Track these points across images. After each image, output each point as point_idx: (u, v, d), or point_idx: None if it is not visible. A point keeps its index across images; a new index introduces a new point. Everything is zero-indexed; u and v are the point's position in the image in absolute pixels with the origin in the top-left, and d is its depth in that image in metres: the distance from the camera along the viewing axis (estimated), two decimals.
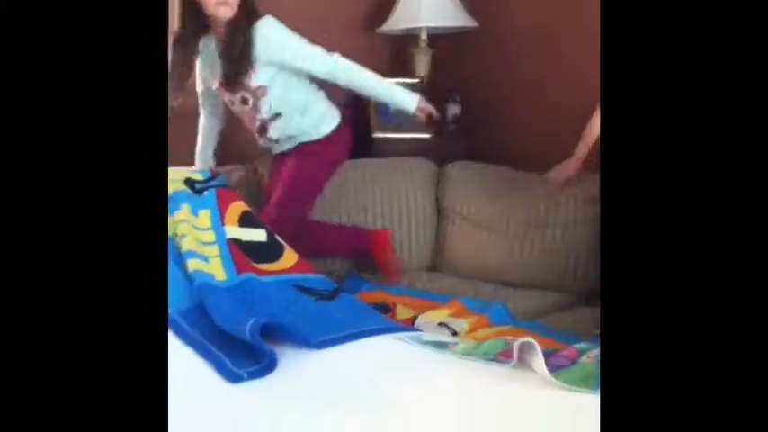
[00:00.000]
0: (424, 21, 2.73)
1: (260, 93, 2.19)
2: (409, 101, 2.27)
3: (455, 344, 1.28)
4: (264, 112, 2.23)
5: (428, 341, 1.31)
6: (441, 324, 1.95)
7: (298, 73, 2.20)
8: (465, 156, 2.71)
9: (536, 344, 1.14)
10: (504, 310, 2.06)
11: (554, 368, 1.15)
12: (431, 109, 2.30)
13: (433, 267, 2.51)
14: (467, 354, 1.23)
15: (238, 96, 2.20)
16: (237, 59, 2.09)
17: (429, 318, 1.98)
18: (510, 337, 1.20)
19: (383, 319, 1.63)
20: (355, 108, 2.71)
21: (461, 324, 1.95)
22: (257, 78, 2.14)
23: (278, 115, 2.24)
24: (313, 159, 2.31)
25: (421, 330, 1.90)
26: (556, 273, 2.27)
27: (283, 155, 2.36)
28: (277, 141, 2.33)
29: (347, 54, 2.89)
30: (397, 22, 2.77)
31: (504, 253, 2.35)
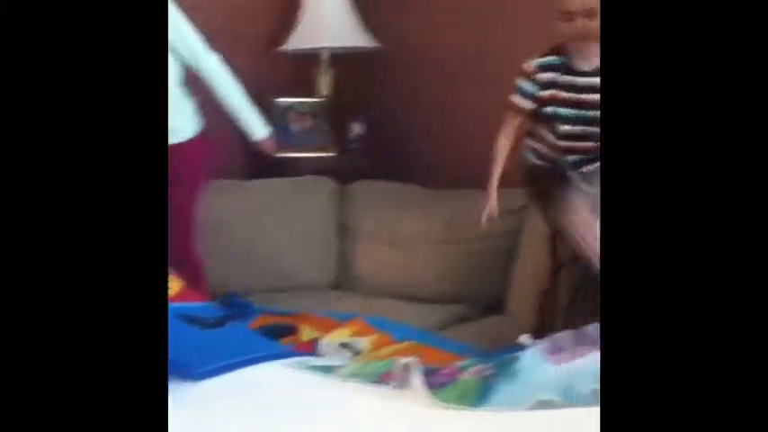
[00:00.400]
0: (326, 41, 2.74)
1: None
2: (259, 130, 2.31)
3: (342, 367, 1.27)
4: None
5: (315, 366, 1.30)
6: (343, 344, 1.92)
7: (178, 62, 2.18)
8: (369, 174, 2.72)
9: (416, 364, 1.15)
10: (407, 325, 2.07)
11: (435, 386, 1.17)
12: (270, 150, 2.36)
13: (337, 286, 2.49)
14: (352, 376, 1.23)
15: None
16: None
17: (332, 338, 1.95)
18: (396, 358, 1.20)
19: (271, 346, 1.59)
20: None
21: (364, 343, 1.93)
22: None
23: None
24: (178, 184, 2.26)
25: (322, 353, 1.89)
26: (460, 286, 2.31)
27: None
28: None
29: (250, 72, 2.87)
30: (299, 41, 2.76)
31: (408, 269, 2.38)
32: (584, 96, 1.80)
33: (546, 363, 1.15)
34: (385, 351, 1.89)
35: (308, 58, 2.91)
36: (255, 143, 2.30)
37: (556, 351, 1.18)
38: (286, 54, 2.87)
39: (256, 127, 2.29)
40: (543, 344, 1.22)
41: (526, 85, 1.88)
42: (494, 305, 2.30)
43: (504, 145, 2.01)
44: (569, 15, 1.65)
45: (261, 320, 2.06)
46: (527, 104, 1.89)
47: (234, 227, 2.42)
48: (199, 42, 2.19)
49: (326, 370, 1.30)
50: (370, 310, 2.23)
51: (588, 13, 1.63)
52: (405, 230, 2.41)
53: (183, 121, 2.24)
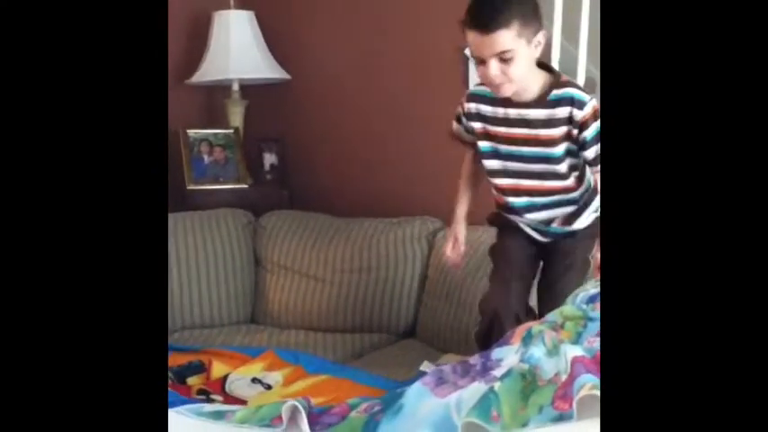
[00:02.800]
0: (234, 73, 2.74)
1: None
2: None
3: (234, 412, 1.26)
4: None
5: (206, 412, 1.28)
6: (254, 380, 1.92)
7: None
8: (284, 205, 2.73)
9: (300, 407, 1.16)
10: (319, 358, 2.08)
11: (325, 426, 1.17)
12: None
13: (252, 319, 2.48)
14: (244, 421, 1.22)
15: None
16: None
17: (242, 373, 1.95)
18: (285, 400, 1.20)
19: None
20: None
21: (276, 377, 1.94)
22: None
23: None
24: None
25: (233, 390, 1.87)
26: (374, 314, 2.33)
27: None
28: None
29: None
30: (207, 73, 2.75)
31: (322, 300, 2.38)
32: (502, 130, 1.70)
33: (430, 396, 1.16)
34: (298, 385, 1.90)
35: (219, 90, 2.90)
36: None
37: (439, 384, 1.19)
38: (196, 86, 2.85)
39: None
40: (429, 377, 1.23)
41: (459, 113, 1.77)
42: (407, 331, 2.33)
43: (464, 177, 1.84)
44: (480, 60, 1.61)
45: (171, 360, 2.02)
46: (466, 136, 1.78)
47: None
48: None
49: (218, 416, 1.28)
50: (284, 342, 2.23)
51: (501, 57, 1.54)
52: (316, 260, 2.42)
53: None
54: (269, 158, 2.87)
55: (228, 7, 2.76)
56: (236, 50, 2.72)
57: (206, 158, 2.77)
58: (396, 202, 2.63)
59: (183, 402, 1.44)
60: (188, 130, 2.78)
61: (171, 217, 2.53)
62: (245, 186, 2.75)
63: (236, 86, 2.81)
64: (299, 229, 2.52)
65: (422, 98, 2.64)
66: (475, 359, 1.24)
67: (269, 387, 1.89)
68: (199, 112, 2.96)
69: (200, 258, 2.44)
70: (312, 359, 2.05)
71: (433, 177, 2.62)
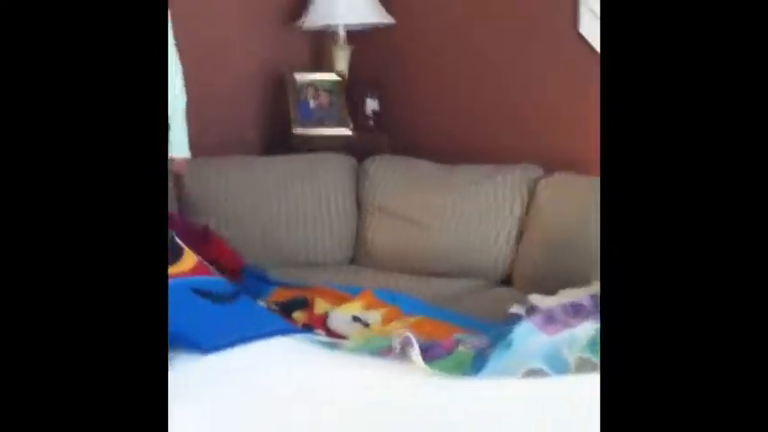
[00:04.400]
0: (341, 18, 2.77)
1: None
2: (181, 150, 2.30)
3: (347, 343, 1.34)
4: None
5: (321, 341, 1.37)
6: (354, 318, 2.00)
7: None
8: (385, 150, 2.76)
9: (412, 338, 1.21)
10: (415, 299, 2.13)
11: (431, 358, 1.22)
12: (181, 171, 2.36)
13: (353, 261, 2.56)
14: (356, 351, 1.29)
15: None
16: None
17: (342, 311, 2.03)
18: (394, 333, 1.26)
19: (279, 322, 1.66)
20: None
21: (375, 316, 2.01)
22: None
23: None
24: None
25: (333, 326, 1.96)
26: (472, 260, 2.36)
27: None
28: None
29: (266, 47, 2.92)
30: (314, 18, 2.79)
31: (421, 244, 2.43)
32: None
33: (538, 334, 1.20)
34: (395, 324, 1.96)
35: (325, 35, 2.94)
36: (171, 159, 2.27)
37: (548, 322, 1.23)
38: (303, 31, 2.90)
39: (181, 145, 2.30)
40: (537, 316, 1.27)
41: None
42: (504, 278, 2.35)
43: None
44: None
45: (276, 295, 2.14)
46: None
47: (251, 202, 2.49)
48: (174, 51, 2.22)
49: (331, 346, 1.36)
50: (383, 284, 2.30)
51: None
52: (418, 205, 2.46)
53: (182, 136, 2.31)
54: (371, 104, 2.90)
55: None
56: None
57: (311, 102, 2.84)
58: (497, 149, 2.61)
59: (296, 331, 1.53)
60: (295, 74, 2.85)
61: (277, 158, 2.63)
62: (348, 131, 2.81)
63: (341, 31, 2.84)
64: (400, 175, 2.55)
65: (528, 46, 2.58)
66: (586, 299, 1.26)
67: (367, 325, 1.97)
68: (305, 55, 3.02)
69: (305, 199, 2.53)
70: (408, 300, 2.11)
71: (535, 125, 2.57)
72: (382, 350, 1.27)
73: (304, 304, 2.10)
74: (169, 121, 2.23)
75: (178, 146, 2.28)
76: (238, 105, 2.87)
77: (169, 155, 2.22)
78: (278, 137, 2.85)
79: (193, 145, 2.56)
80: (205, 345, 1.39)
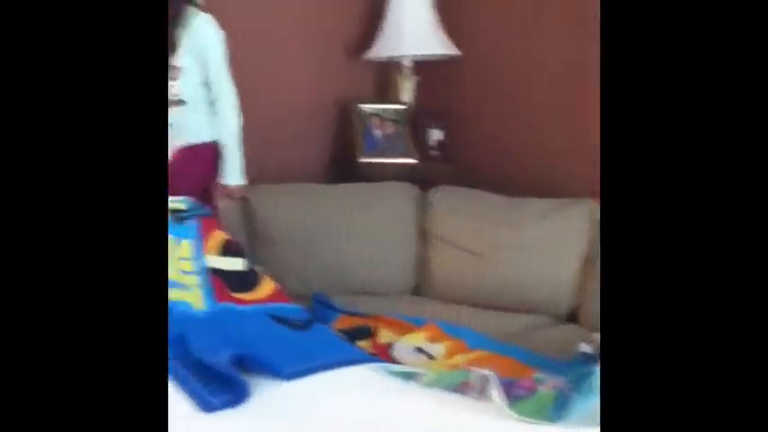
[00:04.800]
0: (408, 49, 2.80)
1: (174, 73, 2.25)
2: (235, 177, 2.34)
3: (422, 375, 1.34)
4: (171, 94, 2.27)
5: (397, 372, 1.37)
6: (418, 349, 1.99)
7: (205, 77, 2.28)
8: (448, 180, 2.77)
9: (494, 376, 1.20)
10: (481, 334, 2.11)
11: (512, 398, 1.20)
12: (233, 195, 2.39)
13: (415, 291, 2.56)
14: (432, 384, 1.28)
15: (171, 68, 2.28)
16: (172, 38, 2.19)
17: (406, 342, 2.03)
18: (472, 368, 1.25)
19: (355, 350, 1.67)
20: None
21: (438, 349, 2.00)
22: (177, 59, 2.23)
23: (180, 102, 2.29)
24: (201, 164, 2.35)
25: (397, 356, 1.96)
26: (535, 295, 2.33)
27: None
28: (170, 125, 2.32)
29: (334, 78, 2.98)
30: (381, 49, 2.84)
31: (484, 276, 2.41)
32: None
33: None
34: (459, 358, 1.95)
35: (391, 66, 2.99)
36: (224, 185, 2.34)
37: None
38: (369, 62, 2.95)
39: (235, 172, 2.33)
40: None
41: None
42: (569, 314, 2.31)
43: None
44: None
45: (340, 322, 2.16)
46: None
47: (317, 229, 2.52)
48: (224, 66, 2.29)
49: (408, 376, 1.36)
50: (446, 316, 2.29)
51: None
52: (483, 238, 2.45)
53: (201, 126, 2.34)
54: (435, 134, 2.92)
55: None
56: (411, 27, 2.78)
57: (376, 132, 2.88)
58: (563, 182, 2.59)
59: (371, 360, 1.54)
60: (360, 105, 2.90)
61: (342, 187, 2.67)
62: (412, 161, 2.83)
63: (407, 62, 2.87)
64: (464, 206, 2.55)
65: (596, 77, 2.56)
66: None
67: (431, 357, 1.96)
68: (371, 86, 3.06)
69: (369, 227, 2.54)
70: (473, 334, 2.09)
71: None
72: (459, 385, 1.26)
73: (368, 333, 2.10)
74: (221, 149, 2.31)
75: (231, 173, 2.32)
76: (306, 134, 2.93)
77: (222, 182, 2.33)
78: (343, 166, 2.89)
79: (262, 171, 2.63)
80: (286, 371, 1.41)
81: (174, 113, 2.26)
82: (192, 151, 2.31)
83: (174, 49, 2.22)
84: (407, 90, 2.91)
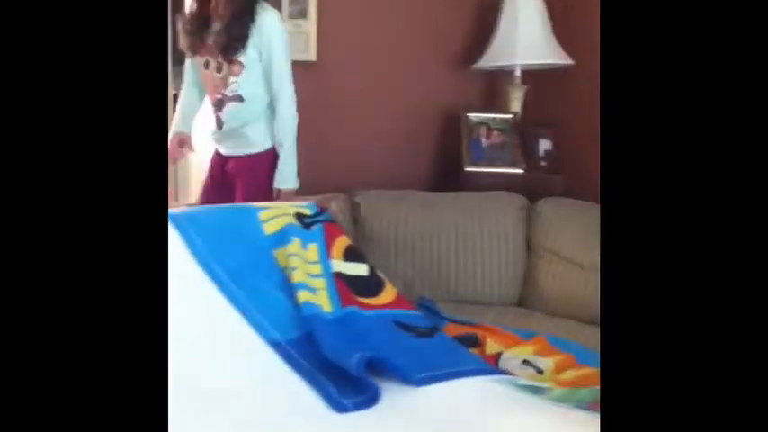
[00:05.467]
0: (520, 58, 2.79)
1: (235, 68, 2.24)
2: (290, 181, 2.31)
3: (550, 389, 1.32)
4: (229, 90, 2.27)
5: (525, 385, 1.36)
6: (525, 361, 1.97)
7: (267, 76, 2.27)
8: (557, 192, 2.73)
9: None
10: (589, 350, 2.06)
11: None
12: (285, 199, 2.32)
13: (520, 302, 2.53)
14: (562, 400, 1.27)
15: (216, 61, 2.26)
16: (237, 33, 2.17)
17: (514, 354, 2.00)
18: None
19: (480, 361, 1.67)
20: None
21: (546, 363, 1.97)
22: (241, 54, 2.22)
23: (239, 98, 2.28)
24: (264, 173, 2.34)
25: (505, 368, 1.95)
26: None
27: (226, 158, 2.40)
28: (221, 128, 2.34)
29: (443, 87, 3.00)
30: (492, 58, 2.83)
31: (592, 290, 2.35)
32: None
33: None
34: (569, 374, 1.91)
35: (501, 75, 2.97)
36: (278, 189, 2.31)
37: None
38: (479, 71, 2.95)
39: (290, 177, 2.31)
40: None
41: None
42: None
43: None
44: None
45: (447, 330, 2.16)
46: None
47: (423, 236, 2.54)
48: (287, 64, 2.27)
49: (535, 390, 1.35)
50: (553, 329, 2.25)
51: None
52: (591, 251, 2.39)
53: (261, 135, 2.34)
54: (544, 144, 2.88)
55: None
56: (523, 36, 2.76)
57: (484, 141, 2.88)
58: None
59: (496, 372, 1.54)
60: (468, 114, 2.90)
61: (449, 195, 2.68)
62: (520, 171, 2.81)
63: (518, 72, 2.86)
64: (573, 218, 2.51)
65: None
66: None
67: (540, 371, 1.93)
68: (479, 95, 3.06)
69: (475, 236, 2.54)
70: (583, 350, 2.05)
71: None
72: (589, 403, 1.24)
73: (475, 342, 2.10)
74: (278, 152, 2.29)
75: (287, 177, 2.31)
76: (413, 142, 2.97)
77: (276, 186, 2.31)
78: (449, 174, 2.90)
79: (370, 177, 2.67)
80: (416, 377, 1.43)
81: (230, 112, 2.28)
82: (252, 160, 2.33)
83: (242, 45, 2.19)
84: (517, 100, 2.89)
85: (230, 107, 2.29)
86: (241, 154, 2.37)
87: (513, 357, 2.00)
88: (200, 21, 2.27)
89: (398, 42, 2.89)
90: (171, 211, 1.75)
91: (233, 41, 2.19)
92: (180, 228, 1.74)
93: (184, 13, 2.36)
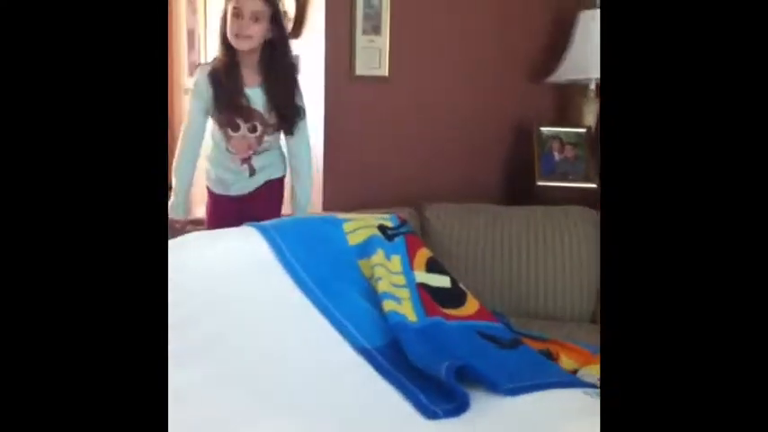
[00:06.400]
0: (594, 72, 2.76)
1: (272, 127, 2.31)
2: (302, 208, 2.37)
3: None
4: (262, 146, 2.33)
5: None
6: None
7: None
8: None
9: None
10: None
11: None
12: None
13: (593, 318, 2.49)
14: None
15: (249, 124, 2.29)
16: (287, 101, 2.25)
17: (590, 370, 1.97)
18: None
19: (565, 373, 1.67)
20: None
21: None
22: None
23: (268, 146, 2.36)
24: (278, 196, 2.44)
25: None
26: None
27: (243, 195, 2.43)
28: (252, 175, 2.39)
29: (516, 101, 2.99)
30: (567, 72, 2.81)
31: None
32: None
33: None
34: None
35: (574, 89, 2.95)
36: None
37: None
38: (552, 85, 2.93)
39: (306, 203, 2.38)
40: None
41: None
42: None
43: None
44: None
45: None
46: None
47: (494, 249, 2.53)
48: (299, 86, 2.34)
49: None
50: None
51: None
52: None
53: (277, 163, 2.44)
54: None
55: (594, 6, 2.78)
56: (598, 50, 2.73)
57: (556, 155, 2.86)
58: None
59: (582, 385, 1.53)
60: (541, 128, 2.89)
61: (521, 209, 2.67)
62: (593, 185, 2.77)
63: (592, 85, 2.83)
64: None
65: None
66: None
67: None
68: (552, 109, 3.04)
69: (547, 251, 2.52)
70: None
71: None
72: None
73: (551, 357, 2.07)
74: (299, 183, 2.36)
75: (302, 205, 2.37)
76: (485, 155, 2.97)
77: (296, 211, 2.37)
78: (521, 188, 2.89)
79: (440, 189, 2.68)
80: (503, 387, 1.44)
81: (261, 156, 2.35)
82: (271, 187, 2.42)
83: (299, 115, 2.30)
84: (591, 113, 2.86)
85: (261, 156, 2.38)
86: (261, 183, 2.43)
87: (588, 374, 1.97)
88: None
89: (471, 56, 2.91)
90: (259, 223, 1.81)
91: (278, 111, 2.28)
92: (267, 236, 1.79)
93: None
